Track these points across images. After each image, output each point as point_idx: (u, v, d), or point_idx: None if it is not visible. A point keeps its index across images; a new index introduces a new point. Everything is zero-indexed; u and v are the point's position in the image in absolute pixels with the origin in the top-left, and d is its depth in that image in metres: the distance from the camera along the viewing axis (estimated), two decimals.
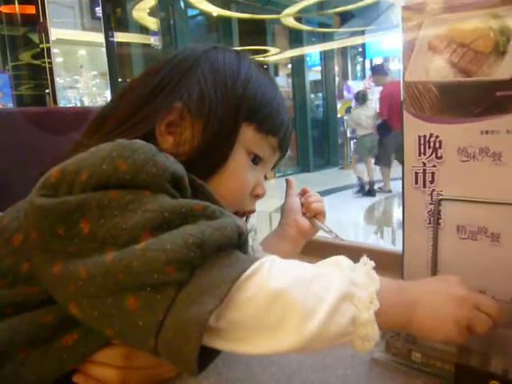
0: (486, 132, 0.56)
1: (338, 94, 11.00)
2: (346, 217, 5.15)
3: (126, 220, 0.44)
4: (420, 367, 0.56)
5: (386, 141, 6.29)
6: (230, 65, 0.63)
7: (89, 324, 0.45)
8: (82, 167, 0.46)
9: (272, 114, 0.64)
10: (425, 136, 0.60)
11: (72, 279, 0.43)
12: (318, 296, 0.43)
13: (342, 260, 0.49)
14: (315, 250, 0.91)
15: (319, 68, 10.87)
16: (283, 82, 10.60)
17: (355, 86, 11.10)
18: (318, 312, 0.42)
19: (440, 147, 0.59)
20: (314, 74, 10.77)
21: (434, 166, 0.60)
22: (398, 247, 0.67)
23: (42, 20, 1.78)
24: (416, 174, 0.62)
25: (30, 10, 5.75)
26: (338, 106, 10.87)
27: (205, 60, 0.62)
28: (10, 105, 5.30)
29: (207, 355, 0.43)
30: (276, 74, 10.38)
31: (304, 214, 0.77)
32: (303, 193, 0.80)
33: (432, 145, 0.60)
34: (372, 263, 0.49)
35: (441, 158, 0.59)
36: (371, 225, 5.26)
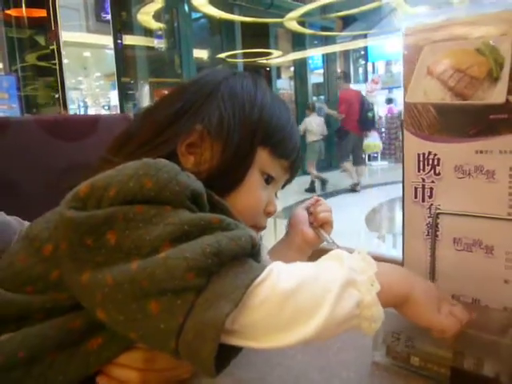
0: (481, 151, 0.60)
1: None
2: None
3: (149, 232, 0.48)
4: (418, 370, 0.60)
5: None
6: (247, 91, 0.67)
7: (114, 328, 0.49)
8: (111, 183, 0.50)
9: (285, 139, 0.69)
10: (424, 154, 0.64)
11: (99, 287, 0.46)
12: (324, 289, 0.47)
13: (339, 252, 0.53)
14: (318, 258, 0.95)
15: (321, 71, 10.91)
16: (285, 84, 10.66)
17: (358, 88, 11.14)
18: (326, 302, 0.46)
19: (438, 164, 0.63)
20: (316, 77, 10.81)
21: (433, 181, 0.64)
22: (399, 255, 0.71)
23: (53, 25, 1.81)
24: (415, 188, 0.66)
25: (37, 13, 5.83)
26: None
27: (225, 86, 0.67)
28: (16, 105, 5.35)
29: (224, 358, 0.47)
30: (278, 77, 10.42)
31: (311, 224, 0.81)
32: (314, 202, 0.84)
33: (431, 162, 0.64)
34: (366, 250, 0.54)
35: (439, 174, 0.64)
36: None
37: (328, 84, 10.79)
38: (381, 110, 11.57)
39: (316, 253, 0.81)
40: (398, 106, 11.76)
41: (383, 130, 11.35)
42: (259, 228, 0.70)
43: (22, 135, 1.13)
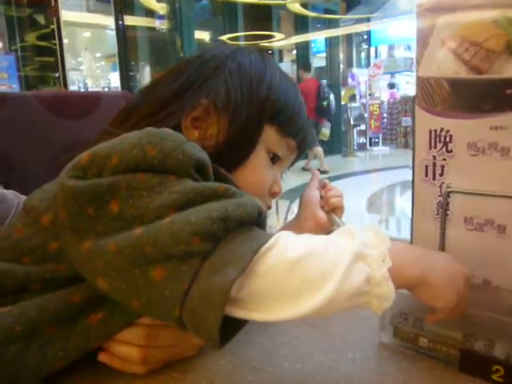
0: (496, 128, 0.58)
1: (343, 81, 10.96)
2: None
3: (152, 201, 0.46)
4: (426, 352, 0.59)
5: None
6: (256, 66, 0.66)
7: (116, 297, 0.47)
8: (113, 152, 0.49)
9: (293, 118, 0.68)
10: (435, 130, 0.62)
11: (101, 254, 0.45)
12: (333, 261, 0.45)
13: (352, 228, 0.51)
14: None
15: (324, 55, 10.82)
16: (287, 68, 10.56)
17: (360, 73, 11.07)
18: (334, 275, 0.44)
19: (450, 141, 0.61)
20: (318, 61, 10.73)
21: (444, 159, 0.62)
22: (406, 235, 0.70)
23: (53, 3, 1.79)
24: (426, 166, 0.64)
25: None
26: (342, 93, 10.84)
27: (232, 60, 0.65)
28: (15, 86, 5.31)
29: (228, 333, 0.45)
30: (280, 60, 10.34)
31: (322, 208, 0.78)
32: (323, 186, 0.81)
33: (442, 139, 0.62)
34: (379, 226, 0.52)
35: (451, 151, 0.62)
36: None
37: (331, 68, 10.70)
38: (383, 95, 11.51)
39: None
40: (400, 91, 11.70)
41: (385, 115, 11.29)
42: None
43: (20, 111, 1.11)
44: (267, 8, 8.78)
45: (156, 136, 0.50)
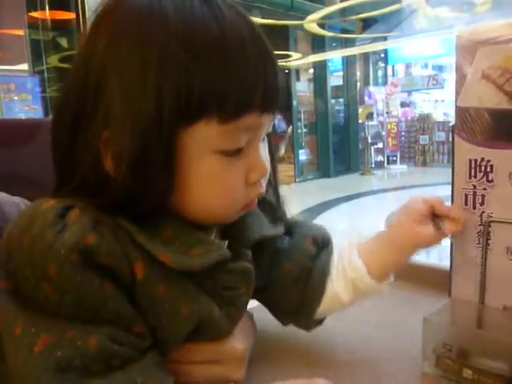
0: None
1: (360, 99, 10.99)
2: None
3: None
4: None
5: None
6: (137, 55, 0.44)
7: None
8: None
9: (238, 86, 0.45)
10: (476, 160, 0.63)
11: None
12: None
13: None
14: None
15: (341, 73, 10.87)
16: (304, 87, 10.63)
17: (377, 91, 11.09)
18: None
19: (491, 171, 0.62)
20: (335, 79, 10.78)
21: (485, 188, 0.62)
22: (444, 263, 0.69)
23: (82, 28, 1.84)
24: (466, 195, 0.64)
25: (61, 15, 5.90)
26: (359, 111, 10.86)
27: (110, 57, 0.46)
28: (38, 107, 5.43)
29: None
30: (297, 79, 10.41)
31: (433, 220, 0.62)
32: (438, 202, 0.63)
33: (483, 169, 0.62)
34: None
35: (492, 181, 0.62)
36: None
37: (347, 86, 10.75)
38: (400, 113, 11.49)
39: None
40: (418, 109, 11.67)
41: (403, 133, 11.26)
42: (249, 205, 0.54)
43: None
44: (284, 28, 8.88)
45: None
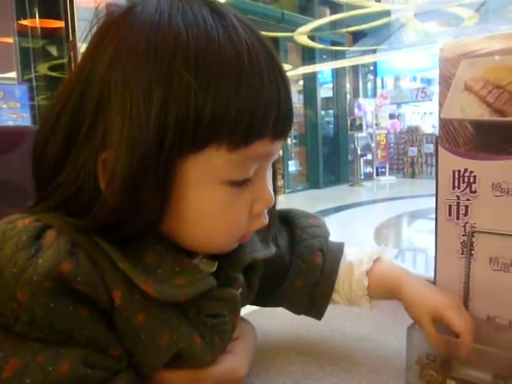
0: None
1: (349, 111, 11.07)
2: None
3: None
4: None
5: None
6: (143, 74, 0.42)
7: None
8: None
9: (246, 112, 0.42)
10: (459, 171, 0.63)
11: None
12: None
13: None
14: None
15: (331, 85, 10.96)
16: (294, 98, 10.69)
17: (366, 103, 11.18)
18: None
19: (474, 182, 0.62)
20: (325, 91, 10.86)
21: (468, 199, 0.63)
22: (430, 274, 0.69)
23: (71, 36, 1.83)
24: (450, 206, 0.65)
25: (51, 23, 5.89)
26: (348, 122, 10.93)
27: (116, 73, 0.43)
28: (26, 114, 5.40)
29: None
30: None
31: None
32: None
33: (466, 179, 0.63)
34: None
35: (475, 192, 0.62)
36: None
37: (337, 98, 10.82)
38: (389, 125, 11.59)
39: None
40: (407, 122, 11.78)
41: (391, 144, 11.35)
42: (246, 235, 0.52)
43: None
44: (275, 40, 8.95)
45: None
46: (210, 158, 0.43)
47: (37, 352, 0.39)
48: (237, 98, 0.42)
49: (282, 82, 0.46)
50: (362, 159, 10.69)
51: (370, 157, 10.93)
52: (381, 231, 5.79)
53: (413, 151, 10.76)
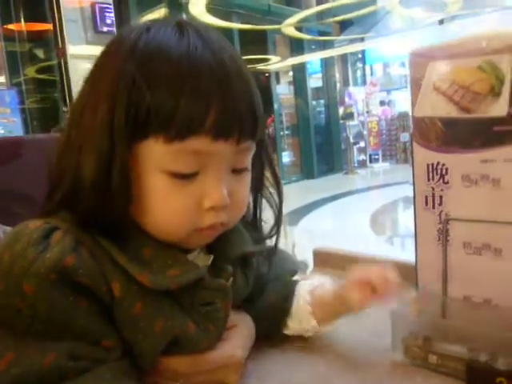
0: (486, 161, 0.64)
1: (340, 100, 11.10)
2: None
3: None
4: (436, 368, 0.64)
5: None
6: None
7: None
8: None
9: (181, 106, 0.47)
10: (433, 164, 0.69)
11: None
12: None
13: None
14: (330, 262, 0.99)
15: (320, 75, 10.97)
16: (285, 89, 10.71)
17: (356, 91, 11.22)
18: None
19: (446, 174, 0.68)
20: (315, 81, 10.88)
21: (442, 190, 0.68)
22: (412, 259, 0.75)
23: (59, 38, 1.86)
24: (426, 197, 0.70)
25: (36, 26, 5.90)
26: (340, 111, 10.97)
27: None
28: (17, 119, 5.42)
29: None
30: (278, 82, 10.48)
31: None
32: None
33: (439, 172, 0.68)
34: None
35: (447, 183, 0.68)
36: None
37: (327, 88, 10.85)
38: (380, 112, 11.63)
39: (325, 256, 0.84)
40: (397, 108, 11.82)
41: (383, 131, 11.40)
42: (207, 230, 0.54)
43: None
44: (263, 32, 8.96)
45: None
46: (151, 147, 0.49)
47: (29, 345, 0.44)
48: (173, 93, 0.47)
49: (232, 84, 0.50)
50: (354, 147, 10.75)
51: (362, 144, 10.98)
52: (376, 218, 5.86)
53: (405, 137, 10.81)
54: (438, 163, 0.68)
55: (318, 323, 0.68)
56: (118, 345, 0.50)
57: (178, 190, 0.50)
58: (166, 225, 0.52)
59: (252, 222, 0.67)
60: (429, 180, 0.70)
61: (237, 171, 0.55)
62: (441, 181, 0.68)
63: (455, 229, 0.68)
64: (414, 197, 0.72)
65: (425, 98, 0.68)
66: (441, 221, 0.69)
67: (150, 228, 0.53)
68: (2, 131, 5.05)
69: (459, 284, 0.69)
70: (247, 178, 0.57)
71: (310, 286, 0.71)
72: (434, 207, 0.70)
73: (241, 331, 0.65)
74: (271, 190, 0.66)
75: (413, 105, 0.69)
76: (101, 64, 0.53)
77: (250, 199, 0.64)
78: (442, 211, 0.69)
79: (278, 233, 0.67)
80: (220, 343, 0.60)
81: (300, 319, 0.69)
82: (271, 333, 0.70)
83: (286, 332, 0.70)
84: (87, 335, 0.47)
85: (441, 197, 0.69)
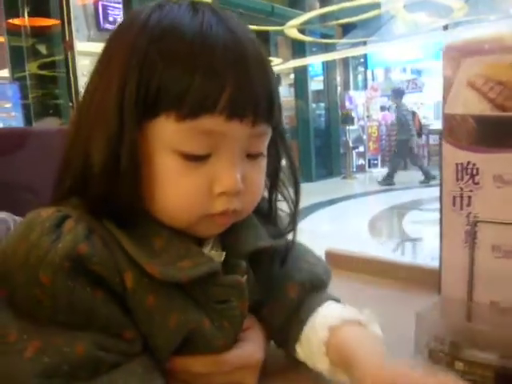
0: None
1: (340, 103, 11.09)
2: None
3: None
4: (462, 375, 0.62)
5: None
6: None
7: None
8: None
9: (194, 83, 0.45)
10: (462, 164, 0.66)
11: None
12: None
13: None
14: (342, 263, 0.97)
15: (321, 78, 10.97)
16: (286, 91, 10.70)
17: (357, 96, 11.22)
18: None
19: (477, 174, 0.65)
20: (316, 84, 10.88)
21: (471, 190, 0.66)
22: (435, 263, 0.73)
23: (67, 35, 1.84)
24: (454, 197, 0.68)
25: (40, 22, 5.86)
26: (340, 114, 10.96)
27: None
28: (18, 114, 5.39)
29: None
30: (279, 84, 10.46)
31: None
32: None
33: (469, 172, 0.66)
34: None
35: (477, 183, 0.66)
36: None
37: (328, 91, 10.85)
38: (380, 117, 11.64)
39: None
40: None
41: (383, 136, 11.40)
42: (218, 217, 0.51)
43: None
44: (265, 34, 8.95)
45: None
46: (162, 126, 0.47)
47: (55, 335, 0.43)
48: (186, 71, 0.46)
49: (246, 64, 0.48)
50: (354, 152, 10.74)
51: (361, 149, 10.97)
52: (375, 223, 5.84)
53: None
54: (468, 163, 0.66)
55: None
56: (139, 337, 0.48)
57: (190, 172, 0.48)
58: (175, 209, 0.50)
59: (267, 214, 0.61)
60: (457, 180, 0.67)
61: (252, 156, 0.52)
62: (470, 181, 0.66)
63: (484, 231, 0.66)
64: (441, 197, 0.69)
65: (457, 94, 0.65)
66: (469, 223, 0.67)
67: (159, 214, 0.50)
68: (1, 124, 5.01)
69: (486, 289, 0.67)
70: (263, 163, 0.54)
71: (331, 319, 0.58)
72: (461, 208, 0.68)
73: (257, 332, 0.62)
74: (286, 182, 0.62)
75: (444, 101, 0.67)
76: (111, 43, 0.51)
77: (265, 192, 0.60)
78: (470, 212, 0.67)
79: (294, 229, 0.62)
80: (238, 343, 0.58)
81: (311, 354, 0.59)
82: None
83: (296, 356, 0.61)
84: (109, 326, 0.45)
85: (469, 197, 0.67)
